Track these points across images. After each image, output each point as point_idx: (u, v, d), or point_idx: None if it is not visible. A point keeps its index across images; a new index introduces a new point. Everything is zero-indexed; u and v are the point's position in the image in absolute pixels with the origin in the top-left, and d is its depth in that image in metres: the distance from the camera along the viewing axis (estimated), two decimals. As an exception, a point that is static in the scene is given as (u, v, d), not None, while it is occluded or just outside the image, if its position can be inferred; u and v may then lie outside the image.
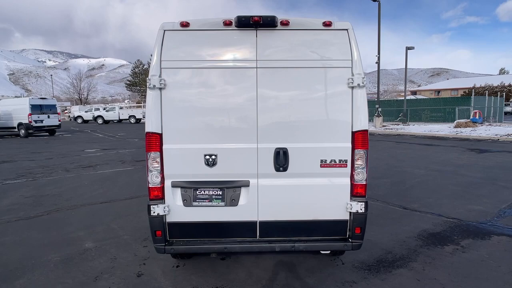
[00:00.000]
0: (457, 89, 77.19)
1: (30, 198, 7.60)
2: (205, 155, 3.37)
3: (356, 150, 3.36)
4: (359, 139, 3.35)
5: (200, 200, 3.45)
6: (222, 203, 3.45)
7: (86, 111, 51.35)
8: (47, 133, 26.91)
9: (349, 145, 3.37)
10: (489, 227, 5.39)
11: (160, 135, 3.33)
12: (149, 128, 3.32)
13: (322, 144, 3.38)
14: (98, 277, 4.00)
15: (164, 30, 3.34)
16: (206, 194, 3.45)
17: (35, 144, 20.05)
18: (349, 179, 3.43)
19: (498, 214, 6.00)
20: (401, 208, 6.45)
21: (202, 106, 3.37)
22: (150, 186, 3.40)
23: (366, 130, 3.35)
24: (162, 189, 3.41)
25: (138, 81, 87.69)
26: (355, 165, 3.38)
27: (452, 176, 9.23)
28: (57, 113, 27.00)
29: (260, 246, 3.48)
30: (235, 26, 3.31)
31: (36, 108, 24.76)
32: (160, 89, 3.30)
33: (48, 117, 25.68)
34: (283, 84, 3.35)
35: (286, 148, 3.36)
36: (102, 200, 7.27)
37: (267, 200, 3.45)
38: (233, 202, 3.45)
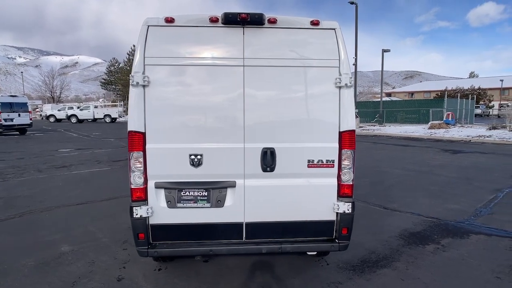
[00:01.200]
0: (429, 92, 79.58)
1: (1, 200, 7.25)
2: (190, 155, 3.27)
3: (343, 150, 3.34)
4: (346, 139, 3.33)
5: (184, 202, 3.34)
6: (208, 204, 3.36)
7: (59, 110, 49.93)
8: (18, 132, 25.94)
9: (336, 145, 3.34)
10: (467, 226, 5.51)
11: (143, 134, 3.21)
12: (131, 126, 3.20)
13: (309, 144, 3.34)
14: (76, 282, 3.83)
15: (148, 26, 3.22)
16: (191, 195, 3.35)
17: (5, 143, 19.25)
18: (336, 179, 3.41)
19: (474, 213, 6.15)
20: (382, 208, 6.52)
21: (187, 104, 3.27)
22: (132, 187, 3.27)
23: (353, 130, 3.34)
24: (145, 190, 3.29)
25: (113, 80, 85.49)
26: (342, 165, 3.36)
27: (428, 176, 9.43)
28: (29, 112, 26.05)
29: (246, 248, 3.41)
30: (222, 23, 3.23)
31: (5, 106, 23.89)
32: (144, 86, 3.17)
33: (19, 115, 24.77)
34: (270, 83, 3.30)
35: (273, 148, 3.30)
36: (78, 202, 7.01)
37: (254, 201, 3.38)
38: (219, 203, 3.36)
